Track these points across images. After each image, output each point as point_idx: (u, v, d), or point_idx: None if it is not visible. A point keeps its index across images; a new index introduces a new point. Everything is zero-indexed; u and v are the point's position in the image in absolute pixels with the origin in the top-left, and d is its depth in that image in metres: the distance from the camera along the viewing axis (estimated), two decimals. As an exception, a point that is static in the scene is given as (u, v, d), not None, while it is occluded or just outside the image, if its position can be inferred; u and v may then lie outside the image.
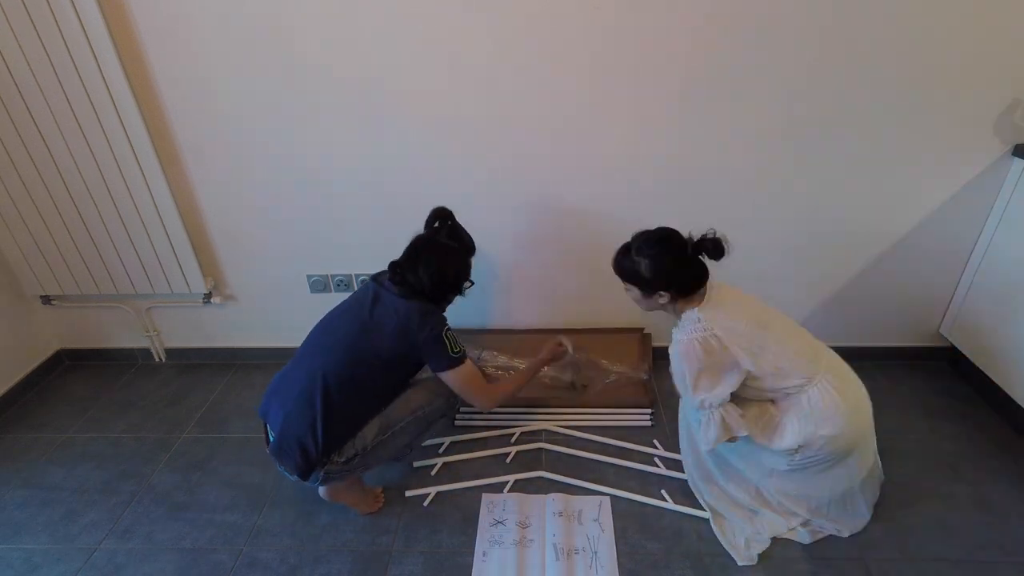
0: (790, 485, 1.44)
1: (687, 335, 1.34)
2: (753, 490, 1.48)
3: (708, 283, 1.40)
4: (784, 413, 1.37)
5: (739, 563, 1.40)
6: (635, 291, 1.43)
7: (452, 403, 1.56)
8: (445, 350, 1.43)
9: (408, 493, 1.61)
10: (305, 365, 1.44)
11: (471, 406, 1.58)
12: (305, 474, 1.39)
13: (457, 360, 1.45)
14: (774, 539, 1.45)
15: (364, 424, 1.42)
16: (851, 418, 1.35)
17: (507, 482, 1.62)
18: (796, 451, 1.36)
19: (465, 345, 1.50)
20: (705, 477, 1.55)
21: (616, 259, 1.43)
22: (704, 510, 1.52)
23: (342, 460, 1.39)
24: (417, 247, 1.48)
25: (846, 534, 1.45)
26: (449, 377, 1.46)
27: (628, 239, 1.43)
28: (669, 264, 1.35)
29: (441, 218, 1.55)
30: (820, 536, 1.45)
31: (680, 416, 1.63)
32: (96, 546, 1.52)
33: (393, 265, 1.47)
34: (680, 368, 1.36)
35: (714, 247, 1.32)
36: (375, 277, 1.53)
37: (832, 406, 1.33)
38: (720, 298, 1.38)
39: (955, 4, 1.49)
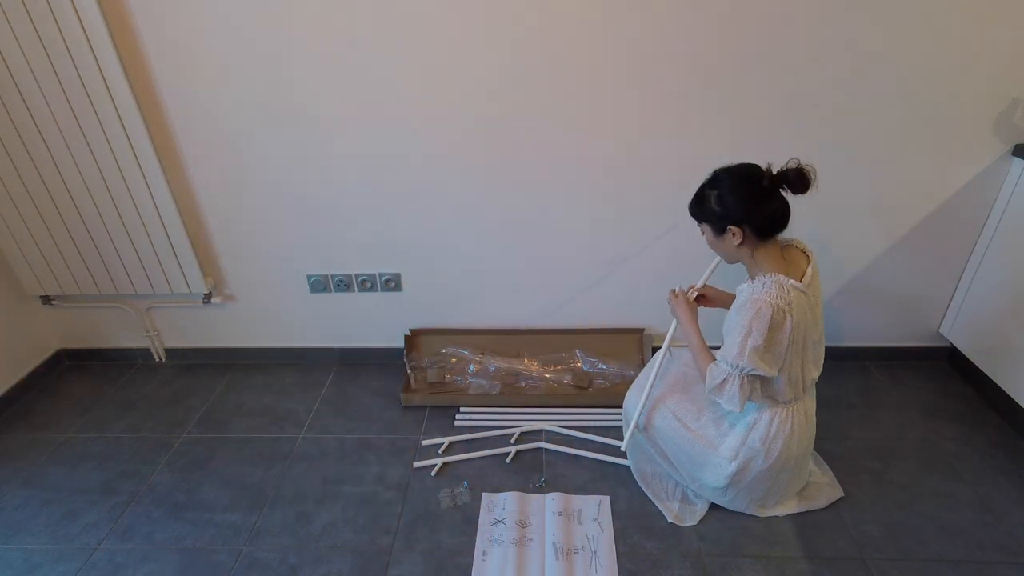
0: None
1: (764, 296, 1.19)
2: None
3: (794, 244, 1.32)
4: (742, 416, 1.37)
5: (668, 520, 1.48)
6: (708, 232, 1.30)
7: None
8: None
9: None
10: None
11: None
12: None
13: None
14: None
15: None
16: (792, 450, 1.36)
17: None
18: (732, 460, 1.37)
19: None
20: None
21: (693, 197, 1.31)
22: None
23: None
24: None
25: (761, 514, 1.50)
26: None
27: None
28: (741, 196, 1.21)
29: None
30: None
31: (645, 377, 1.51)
32: (96, 546, 1.52)
33: None
34: (740, 321, 1.21)
35: (797, 178, 1.17)
36: None
37: (784, 434, 1.34)
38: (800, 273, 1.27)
39: (955, 4, 1.49)
